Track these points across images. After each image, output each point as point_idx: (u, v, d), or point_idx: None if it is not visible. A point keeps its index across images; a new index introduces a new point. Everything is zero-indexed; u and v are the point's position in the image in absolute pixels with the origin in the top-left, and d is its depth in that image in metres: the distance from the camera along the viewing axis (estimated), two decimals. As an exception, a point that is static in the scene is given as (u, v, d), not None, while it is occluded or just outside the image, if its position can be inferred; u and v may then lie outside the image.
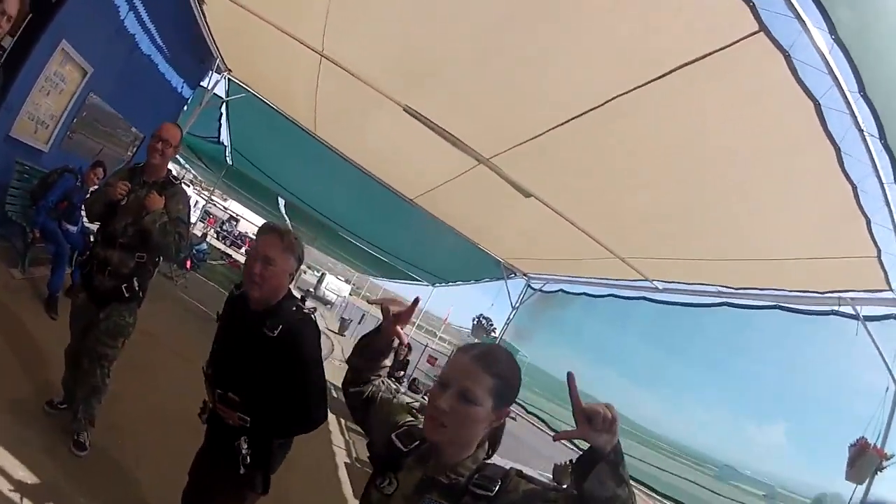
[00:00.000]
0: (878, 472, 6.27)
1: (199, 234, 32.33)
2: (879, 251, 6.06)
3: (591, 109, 5.96)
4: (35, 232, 9.01)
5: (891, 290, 6.71)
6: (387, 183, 12.59)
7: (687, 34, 4.51)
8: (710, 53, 4.47)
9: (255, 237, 4.14)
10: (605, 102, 5.73)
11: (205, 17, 10.55)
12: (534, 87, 6.45)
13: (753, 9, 3.92)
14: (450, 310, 47.14)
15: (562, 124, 6.50)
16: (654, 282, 10.48)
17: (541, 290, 14.93)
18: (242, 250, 56.64)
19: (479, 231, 13.27)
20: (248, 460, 3.83)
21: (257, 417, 3.85)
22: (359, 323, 38.57)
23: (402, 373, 15.96)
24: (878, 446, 6.38)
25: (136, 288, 5.88)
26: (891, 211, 5.41)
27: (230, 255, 41.67)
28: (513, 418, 16.41)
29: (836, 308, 7.55)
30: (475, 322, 15.65)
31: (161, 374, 9.26)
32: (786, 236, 6.81)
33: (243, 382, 3.88)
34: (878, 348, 7.12)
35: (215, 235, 54.10)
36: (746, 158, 5.69)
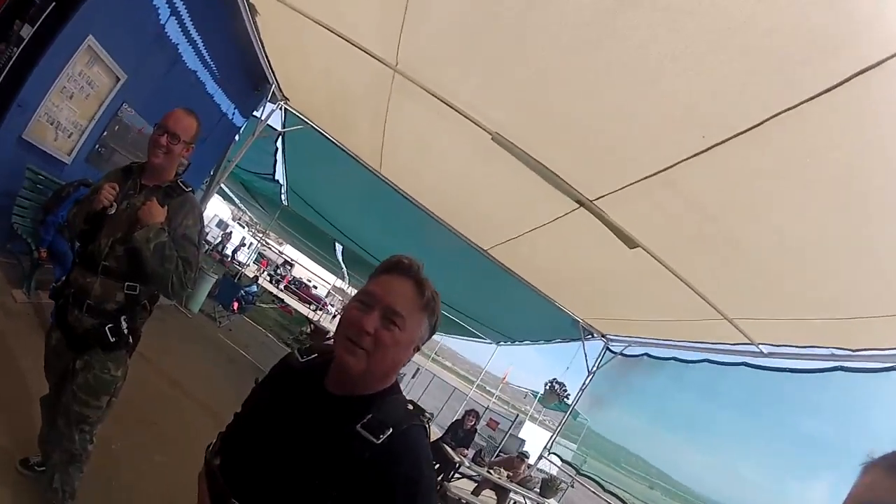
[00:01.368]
0: None
1: (251, 276, 32.20)
2: None
3: (737, 135, 4.70)
4: (42, 251, 7.98)
5: None
6: (458, 231, 11.45)
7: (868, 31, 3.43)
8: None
9: (373, 276, 2.52)
10: (754, 127, 4.50)
11: (258, 32, 9.52)
12: (659, 111, 5.10)
13: None
14: (509, 369, 46.31)
15: (694, 156, 5.22)
16: (760, 346, 9.20)
17: (622, 354, 13.73)
18: (281, 286, 55.89)
19: (558, 287, 12.00)
20: None
21: None
22: (412, 377, 37.86)
23: (466, 449, 14.50)
24: None
25: (125, 331, 4.25)
26: None
27: (283, 301, 40.76)
28: (571, 485, 15.58)
29: None
30: (547, 387, 14.73)
31: (182, 435, 7.57)
32: None
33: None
34: None
35: (268, 278, 53.52)
36: None
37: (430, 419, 2.52)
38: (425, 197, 11.08)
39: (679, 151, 5.33)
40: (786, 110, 4.22)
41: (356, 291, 2.53)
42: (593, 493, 13.38)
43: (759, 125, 4.49)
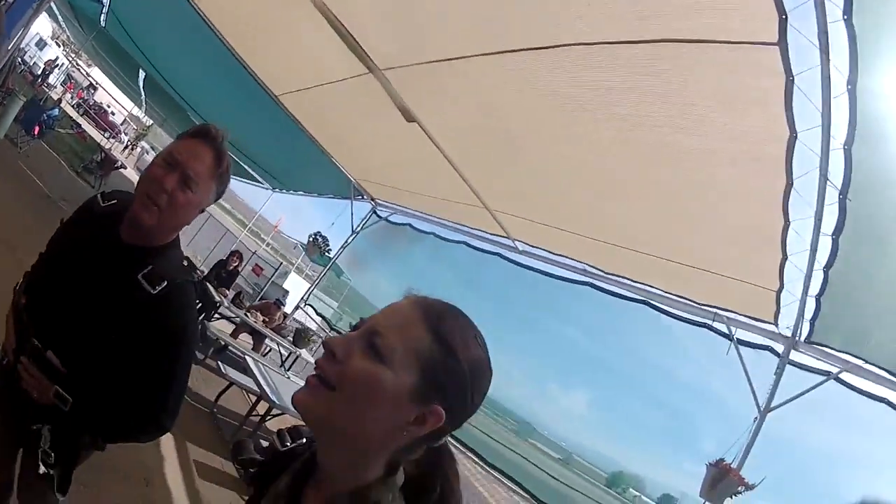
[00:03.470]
0: (732, 497, 6.33)
1: (55, 98, 30.96)
2: (781, 288, 6.18)
3: (531, 49, 5.07)
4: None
5: (775, 324, 6.88)
6: (254, 70, 11.02)
7: (701, 13, 3.80)
8: (712, 41, 3.92)
9: (180, 137, 2.77)
10: (557, 46, 4.84)
11: None
12: (469, 5, 5.28)
13: (783, 22, 3.48)
14: (282, 217, 46.65)
15: (487, 54, 5.56)
16: (516, 241, 9.94)
17: (387, 220, 14.23)
18: (69, 96, 53.02)
19: (338, 144, 12.22)
20: (52, 458, 2.57)
21: (84, 404, 2.53)
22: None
23: (227, 290, 14.17)
24: (737, 471, 6.36)
25: None
26: (813, 258, 5.51)
27: (80, 126, 39.11)
28: None
29: (710, 322, 7.53)
30: (311, 239, 14.91)
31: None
32: (687, 238, 6.67)
33: (79, 344, 2.55)
34: (746, 374, 7.09)
35: (70, 101, 50.92)
36: (693, 151, 5.19)
37: (200, 276, 3.00)
38: (231, 33, 10.50)
39: (479, 45, 5.56)
40: (595, 43, 4.55)
41: (160, 147, 2.77)
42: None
43: (557, 47, 4.81)
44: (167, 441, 7.33)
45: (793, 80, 3.76)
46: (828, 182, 4.50)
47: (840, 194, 4.52)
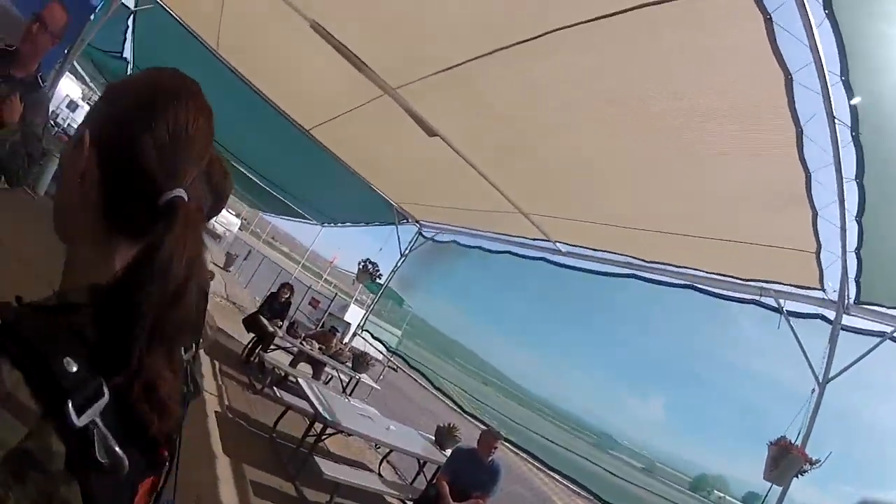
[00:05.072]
0: (799, 476, 6.00)
1: None
2: (819, 247, 5.86)
3: (521, 42, 5.12)
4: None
5: (822, 290, 6.53)
6: (284, 110, 11.42)
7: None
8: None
9: None
10: (539, 36, 4.90)
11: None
12: (457, 11, 5.41)
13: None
14: (337, 254, 46.79)
15: (483, 55, 5.64)
16: (557, 243, 9.85)
17: (432, 240, 14.32)
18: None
19: (375, 171, 12.36)
20: None
21: None
22: (244, 259, 38.23)
23: (281, 321, 14.40)
24: (801, 448, 6.03)
25: None
26: (843, 208, 5.14)
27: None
28: (393, 368, 16.05)
29: (757, 298, 7.19)
30: (361, 266, 15.19)
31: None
32: (716, 213, 6.43)
33: None
34: (801, 346, 6.68)
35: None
36: (692, 120, 5.01)
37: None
38: (255, 76, 10.98)
39: (465, 52, 5.73)
40: (567, 27, 4.62)
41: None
42: (418, 383, 13.79)
43: (538, 37, 4.90)
44: (223, 463, 7.60)
45: (770, 17, 3.64)
46: (836, 120, 4.25)
47: (852, 131, 4.26)
